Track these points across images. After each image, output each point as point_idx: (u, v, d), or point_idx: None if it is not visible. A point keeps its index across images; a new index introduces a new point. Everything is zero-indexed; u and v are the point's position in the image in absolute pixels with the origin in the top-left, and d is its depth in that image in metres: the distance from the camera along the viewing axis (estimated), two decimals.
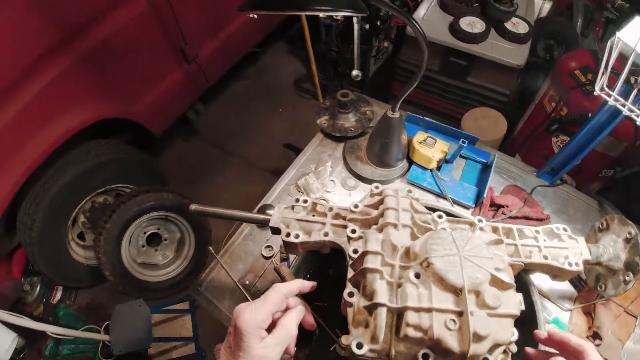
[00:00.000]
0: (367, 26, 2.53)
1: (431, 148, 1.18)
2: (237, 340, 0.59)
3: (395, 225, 0.71)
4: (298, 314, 0.66)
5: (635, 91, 0.97)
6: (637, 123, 0.97)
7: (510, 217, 1.12)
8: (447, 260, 0.63)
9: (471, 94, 2.27)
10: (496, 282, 0.64)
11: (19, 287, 2.28)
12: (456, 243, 0.66)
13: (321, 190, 1.15)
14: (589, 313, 1.09)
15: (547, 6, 2.69)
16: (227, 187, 2.81)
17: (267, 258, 1.04)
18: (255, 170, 2.84)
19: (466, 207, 1.17)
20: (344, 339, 0.63)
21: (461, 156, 1.27)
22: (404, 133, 1.14)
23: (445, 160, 1.22)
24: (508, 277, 0.65)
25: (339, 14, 0.62)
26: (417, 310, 0.60)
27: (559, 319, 1.07)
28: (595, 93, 0.96)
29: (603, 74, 0.96)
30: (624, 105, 0.97)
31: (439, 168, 1.22)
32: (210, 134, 3.12)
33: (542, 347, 0.79)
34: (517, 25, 2.16)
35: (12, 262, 2.28)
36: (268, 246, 1.05)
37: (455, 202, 1.16)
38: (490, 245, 0.71)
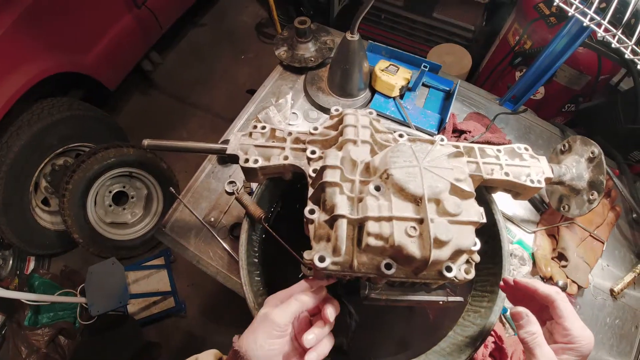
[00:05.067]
0: None
1: (393, 75, 1.15)
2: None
3: (354, 142, 0.69)
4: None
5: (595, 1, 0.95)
6: (599, 34, 0.95)
7: (473, 142, 1.12)
8: (407, 171, 0.63)
9: (436, 31, 2.22)
10: (456, 191, 0.64)
11: None
12: (416, 155, 0.66)
13: (283, 123, 1.11)
14: (553, 236, 1.13)
15: None
16: (191, 139, 2.64)
17: (230, 194, 1.02)
18: (219, 120, 2.75)
19: (429, 134, 1.16)
20: (306, 254, 0.62)
21: (425, 85, 1.26)
22: (365, 60, 1.10)
23: (408, 89, 1.19)
24: (468, 187, 0.65)
25: None
26: (378, 219, 0.59)
27: (522, 240, 1.11)
28: (555, 3, 0.93)
29: None
30: (585, 15, 0.94)
31: (402, 96, 1.20)
32: (170, 85, 2.97)
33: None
34: None
35: None
36: (231, 182, 1.01)
37: (418, 129, 1.15)
38: (451, 158, 0.70)
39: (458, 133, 1.16)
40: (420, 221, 0.60)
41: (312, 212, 0.64)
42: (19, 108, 1.84)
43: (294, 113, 1.16)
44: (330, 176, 0.63)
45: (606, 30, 0.93)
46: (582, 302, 1.07)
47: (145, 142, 0.83)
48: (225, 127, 1.18)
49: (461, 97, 1.30)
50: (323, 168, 0.65)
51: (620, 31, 0.93)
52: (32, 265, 2.30)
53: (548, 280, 1.06)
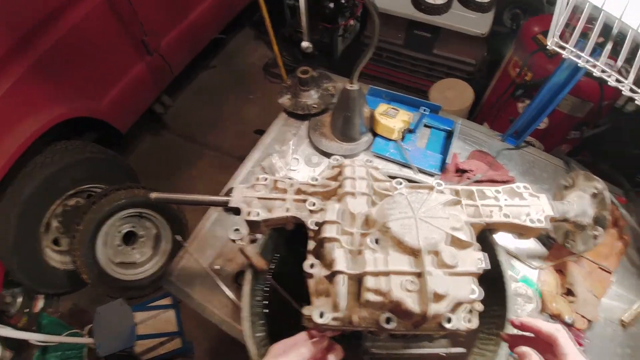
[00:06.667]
0: (332, 5, 2.50)
1: (392, 119, 1.18)
2: None
3: (352, 194, 0.70)
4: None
5: (590, 42, 0.96)
6: (594, 74, 0.96)
7: (476, 181, 1.12)
8: (402, 223, 0.63)
9: (438, 66, 2.27)
10: (454, 241, 0.64)
11: (0, 299, 2.23)
12: (412, 206, 0.66)
13: (284, 169, 1.13)
14: (560, 270, 1.11)
15: None
16: (201, 179, 2.76)
17: (235, 241, 1.03)
18: (228, 159, 2.80)
19: (431, 175, 1.18)
20: (305, 310, 0.62)
21: (426, 125, 1.28)
22: (365, 106, 1.14)
23: (409, 130, 1.21)
24: (465, 236, 0.66)
25: None
26: (376, 274, 0.60)
27: (527, 277, 1.09)
28: (548, 46, 0.96)
29: (556, 26, 0.95)
30: (579, 57, 0.96)
31: (403, 138, 1.22)
32: (180, 126, 3.05)
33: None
34: None
35: None
36: (236, 229, 1.03)
37: (420, 171, 1.16)
38: (447, 206, 0.71)
39: (461, 172, 1.16)
40: (419, 274, 0.60)
41: (311, 266, 0.65)
42: (32, 150, 1.88)
43: (295, 158, 1.19)
44: (328, 231, 0.64)
45: (602, 70, 0.95)
46: (592, 335, 1.05)
47: (153, 195, 0.85)
48: (234, 166, 1.22)
49: (463, 136, 1.31)
50: (322, 224, 0.66)
51: (617, 70, 0.94)
52: (40, 304, 2.31)
53: (555, 316, 1.03)
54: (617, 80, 0.94)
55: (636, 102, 0.94)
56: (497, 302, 0.86)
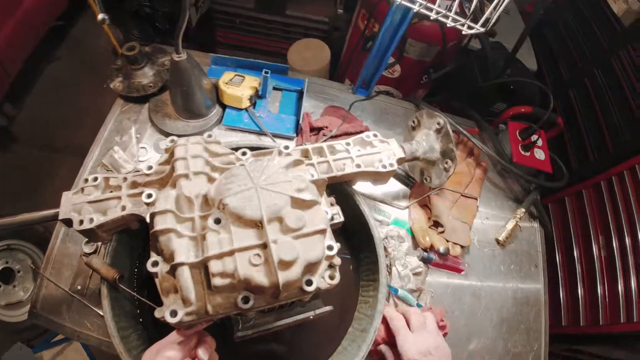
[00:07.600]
0: None
1: (239, 86, 1.13)
2: None
3: (186, 176, 0.65)
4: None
5: None
6: (431, 18, 0.98)
7: (332, 137, 1.14)
8: (242, 196, 0.60)
9: (293, 27, 2.25)
10: (298, 203, 0.63)
11: None
12: (251, 176, 0.64)
13: (131, 162, 1.03)
14: (426, 206, 1.17)
15: None
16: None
17: (92, 254, 0.92)
18: None
19: (289, 138, 1.16)
20: (156, 312, 0.58)
21: (277, 89, 1.25)
22: (203, 76, 1.06)
23: (259, 96, 1.17)
24: (310, 194, 0.65)
25: None
26: (220, 257, 0.56)
27: (398, 218, 1.14)
28: None
29: None
30: (413, 2, 0.96)
31: (254, 106, 1.17)
32: (32, 135, 2.62)
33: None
34: None
35: None
36: (87, 241, 0.93)
37: (276, 136, 1.14)
38: (290, 168, 0.69)
39: (317, 131, 1.17)
40: (264, 246, 0.58)
41: (155, 264, 0.59)
42: None
43: (142, 147, 1.08)
44: (160, 223, 0.58)
45: (437, 12, 0.97)
46: (471, 259, 1.12)
47: None
48: None
49: (315, 94, 1.31)
50: (152, 216, 0.60)
51: (453, 12, 0.97)
52: None
53: (430, 249, 1.08)
54: (454, 21, 0.98)
55: (474, 35, 0.98)
56: (369, 249, 0.90)
